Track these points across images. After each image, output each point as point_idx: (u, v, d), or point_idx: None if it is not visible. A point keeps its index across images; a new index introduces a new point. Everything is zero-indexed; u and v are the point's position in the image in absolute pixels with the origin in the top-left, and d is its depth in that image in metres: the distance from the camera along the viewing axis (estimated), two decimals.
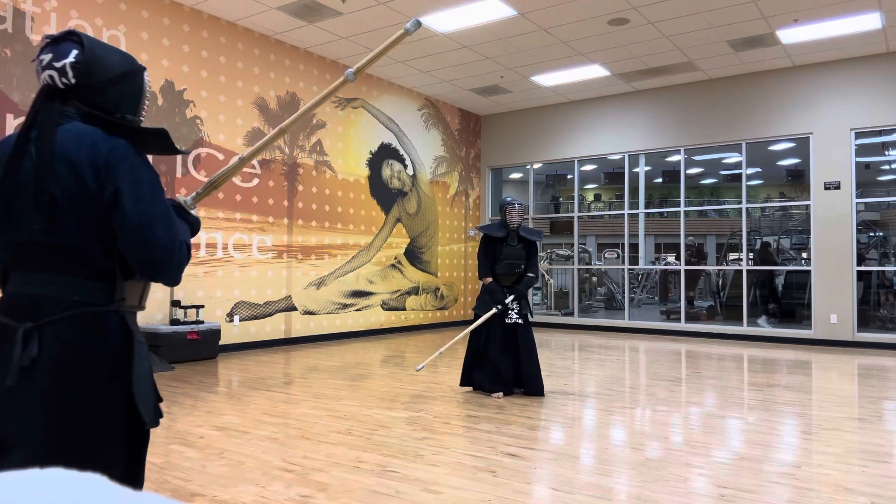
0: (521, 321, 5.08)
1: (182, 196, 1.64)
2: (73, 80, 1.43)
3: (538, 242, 5.34)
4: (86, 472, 0.54)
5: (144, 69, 1.58)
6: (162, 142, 1.50)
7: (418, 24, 1.90)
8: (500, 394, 5.00)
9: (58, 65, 1.42)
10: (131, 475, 1.49)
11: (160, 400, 1.55)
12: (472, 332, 5.13)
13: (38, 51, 1.47)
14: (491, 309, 5.03)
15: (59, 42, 1.45)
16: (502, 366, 5.02)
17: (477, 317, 5.14)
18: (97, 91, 1.46)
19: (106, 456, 1.40)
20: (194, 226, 1.61)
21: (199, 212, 7.33)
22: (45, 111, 1.42)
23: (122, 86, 1.51)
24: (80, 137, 1.40)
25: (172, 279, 1.46)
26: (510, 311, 5.07)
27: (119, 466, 1.43)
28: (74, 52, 1.43)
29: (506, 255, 5.17)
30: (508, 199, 5.24)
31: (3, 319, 1.40)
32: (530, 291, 5.48)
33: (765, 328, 9.70)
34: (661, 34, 7.96)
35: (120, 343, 1.43)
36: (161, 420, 1.58)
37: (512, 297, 5.08)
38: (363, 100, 9.59)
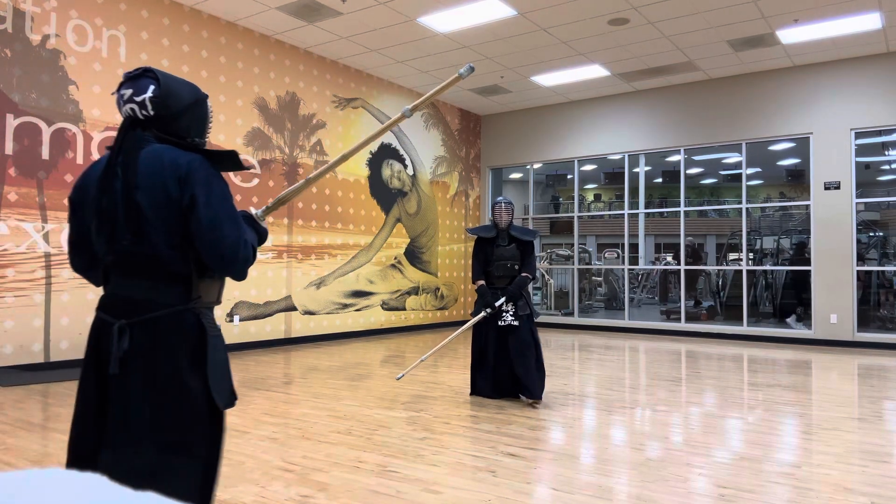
0: (515, 322, 4.84)
1: (254, 209, 1.90)
2: (151, 112, 1.67)
3: (535, 241, 5.17)
4: (85, 473, 0.54)
5: (207, 97, 1.83)
6: (231, 160, 1.74)
7: (471, 70, 2.19)
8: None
9: (138, 99, 1.66)
10: (210, 456, 1.70)
11: (232, 391, 1.77)
12: (474, 338, 5.00)
13: (118, 86, 1.69)
14: (480, 313, 4.88)
15: (138, 78, 1.67)
16: (499, 371, 4.89)
17: (480, 312, 4.96)
18: (172, 120, 1.70)
19: (192, 431, 1.62)
20: (262, 235, 1.86)
21: None
22: (128, 139, 1.66)
23: (191, 114, 1.74)
24: (161, 154, 1.64)
25: (239, 273, 1.71)
26: (503, 314, 4.85)
27: (204, 442, 1.65)
28: (152, 87, 1.67)
29: (497, 257, 5.00)
30: (497, 198, 5.14)
31: (103, 316, 1.66)
32: (530, 290, 5.27)
33: (795, 329, 9.60)
34: (661, 34, 7.96)
35: (196, 337, 1.65)
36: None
37: (503, 298, 4.87)
38: (363, 100, 9.59)
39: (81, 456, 1.64)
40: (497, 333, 4.91)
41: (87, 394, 1.65)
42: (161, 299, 1.63)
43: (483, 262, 5.04)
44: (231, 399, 1.72)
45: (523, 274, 4.96)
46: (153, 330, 1.61)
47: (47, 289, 6.04)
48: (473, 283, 5.04)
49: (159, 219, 1.61)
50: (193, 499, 1.67)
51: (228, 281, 8.24)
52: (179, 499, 1.41)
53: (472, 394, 5.04)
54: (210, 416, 1.67)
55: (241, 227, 1.69)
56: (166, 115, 1.69)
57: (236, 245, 1.65)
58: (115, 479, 1.18)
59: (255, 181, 7.98)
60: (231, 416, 4.31)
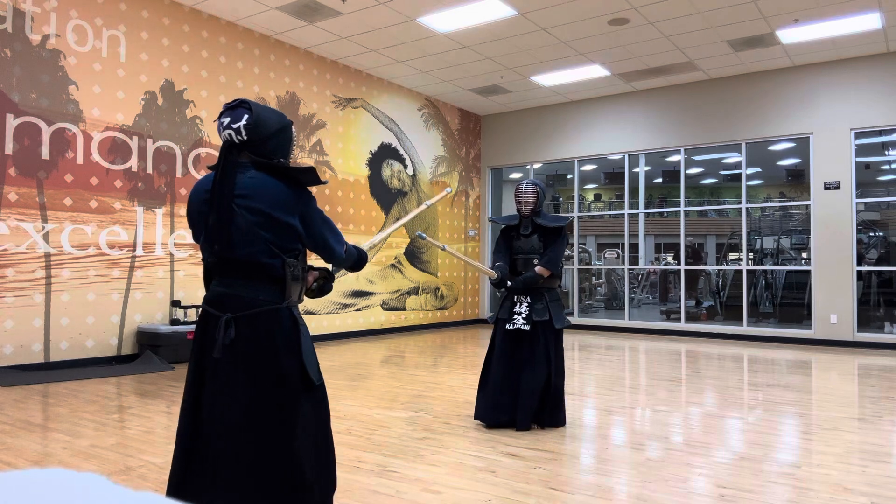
0: (526, 327, 4.00)
1: (366, 243, 2.43)
2: (245, 137, 1.98)
3: (564, 230, 4.18)
4: (85, 473, 0.54)
5: (292, 123, 2.14)
6: (311, 175, 2.04)
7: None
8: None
9: (234, 126, 1.97)
10: (319, 419, 2.05)
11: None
12: (490, 346, 4.18)
13: (219, 115, 2.02)
14: (493, 276, 4.07)
15: (234, 108, 1.99)
16: (504, 386, 4.02)
17: (493, 317, 4.24)
18: (262, 143, 2.01)
19: (290, 401, 1.94)
20: (363, 256, 2.31)
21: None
22: (228, 161, 1.97)
23: (277, 138, 2.05)
24: (265, 182, 1.97)
25: (351, 270, 2.28)
26: (514, 315, 4.06)
27: (298, 410, 1.96)
28: (246, 116, 1.97)
29: (516, 249, 4.20)
30: (521, 181, 4.21)
31: (209, 309, 1.99)
32: (559, 293, 4.28)
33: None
34: (661, 34, 7.96)
35: (290, 328, 1.99)
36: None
37: (508, 283, 4.08)
38: (363, 100, 9.59)
39: (191, 434, 1.94)
40: (504, 339, 4.08)
41: (196, 381, 1.97)
42: (261, 297, 1.96)
43: (504, 254, 4.22)
44: (320, 376, 2.07)
45: (536, 268, 4.08)
46: (255, 322, 1.94)
47: (47, 289, 6.04)
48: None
49: (258, 234, 1.94)
50: (309, 458, 1.98)
51: None
52: (294, 461, 1.90)
53: (475, 417, 4.13)
54: (306, 389, 2.00)
55: (340, 237, 2.17)
56: (257, 140, 1.99)
57: (340, 253, 2.16)
58: (230, 448, 1.84)
59: None
60: None
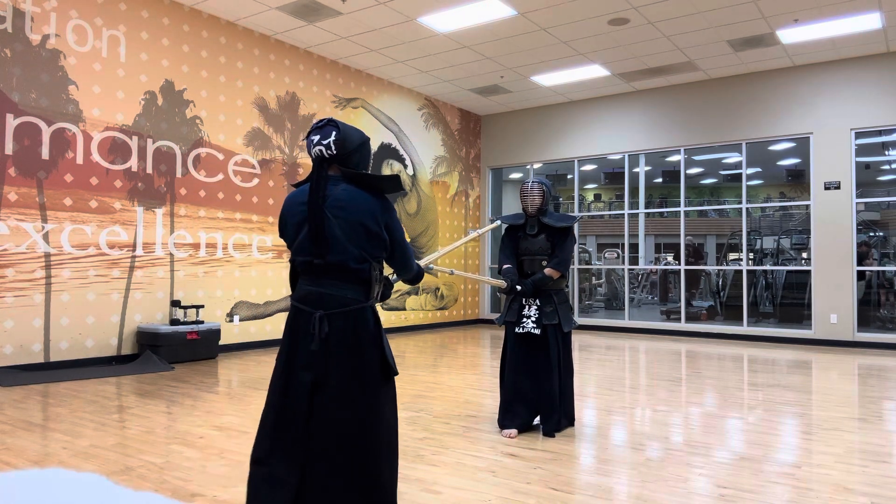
0: (536, 331, 3.94)
1: (422, 260, 2.76)
2: (335, 152, 2.19)
3: (572, 230, 4.10)
4: (85, 473, 0.54)
5: (369, 139, 2.36)
6: (395, 183, 2.23)
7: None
8: (513, 431, 3.88)
9: (325, 143, 2.19)
10: (392, 410, 2.25)
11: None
12: (503, 349, 4.14)
13: (308, 133, 2.24)
14: (502, 286, 3.99)
15: (323, 128, 2.21)
16: (517, 392, 3.96)
17: (501, 318, 4.13)
18: (347, 157, 2.22)
19: (374, 387, 2.16)
20: (421, 272, 2.53)
21: (200, 211, 7.33)
22: (320, 175, 2.17)
23: (360, 152, 2.27)
24: (356, 195, 2.17)
25: (415, 280, 2.49)
26: (523, 319, 3.99)
27: (380, 397, 2.18)
28: (334, 133, 2.18)
29: (523, 250, 4.09)
30: (527, 180, 4.12)
31: (300, 306, 2.19)
32: (567, 295, 4.14)
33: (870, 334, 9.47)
34: (661, 34, 7.96)
35: (374, 324, 2.21)
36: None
37: (517, 287, 3.98)
38: (363, 100, 9.59)
39: (285, 425, 2.12)
40: (516, 344, 4.01)
41: (286, 371, 2.16)
42: (350, 296, 2.17)
43: (511, 255, 4.12)
44: (396, 367, 2.27)
45: (546, 270, 3.99)
46: (345, 319, 2.15)
47: (47, 289, 6.04)
48: (499, 273, 4.16)
49: (352, 242, 2.14)
50: (382, 439, 2.16)
51: (227, 280, 8.17)
52: (375, 442, 2.12)
53: (499, 424, 4.00)
54: (384, 378, 2.20)
55: (410, 246, 2.40)
56: (344, 154, 2.20)
57: (412, 257, 2.41)
58: (321, 432, 2.11)
59: (255, 181, 7.98)
60: (231, 416, 4.31)
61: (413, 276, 2.47)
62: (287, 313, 2.25)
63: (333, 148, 2.18)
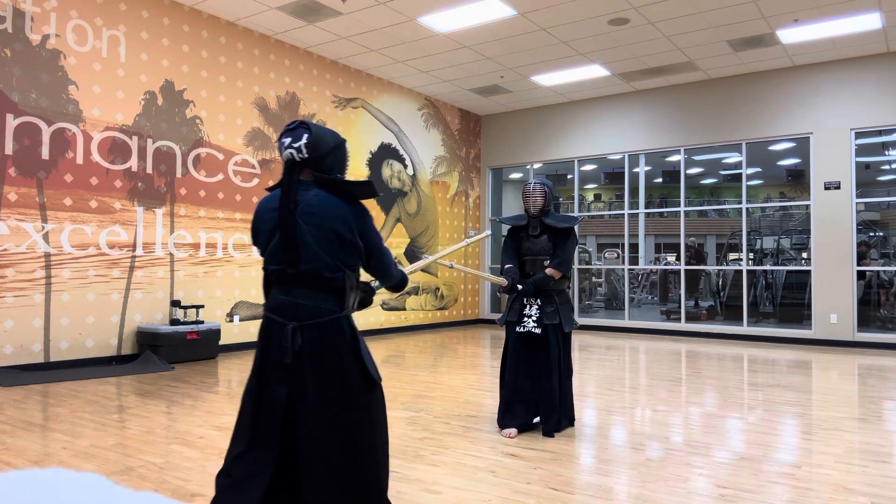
0: (537, 331, 3.94)
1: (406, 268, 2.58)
2: (306, 155, 2.10)
3: (573, 230, 4.12)
4: (85, 473, 0.54)
5: (346, 141, 2.26)
6: (368, 188, 2.16)
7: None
8: (513, 431, 3.87)
9: (296, 145, 2.10)
10: (379, 414, 2.17)
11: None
12: (504, 349, 4.13)
13: (280, 135, 2.15)
14: (503, 284, 3.99)
15: (294, 129, 2.12)
16: (517, 391, 3.97)
17: (503, 318, 4.14)
18: (320, 160, 2.14)
19: (357, 398, 2.08)
20: (405, 279, 2.42)
21: (200, 211, 7.33)
22: (291, 179, 2.10)
23: (334, 155, 2.19)
24: (328, 201, 2.09)
25: (392, 290, 2.40)
26: (524, 318, 3.99)
27: (364, 407, 2.10)
28: (306, 136, 2.10)
29: (524, 250, 4.11)
30: (529, 181, 4.13)
31: (272, 316, 2.11)
32: (569, 295, 4.08)
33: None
34: (661, 34, 7.96)
35: (350, 334, 2.13)
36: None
37: (518, 287, 3.98)
38: (363, 100, 9.59)
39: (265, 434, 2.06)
40: (517, 343, 4.01)
41: (258, 384, 2.10)
42: (323, 306, 2.09)
43: (512, 255, 4.14)
44: (379, 375, 2.19)
45: (547, 270, 4.00)
46: (319, 330, 2.07)
47: (47, 289, 6.04)
48: (501, 274, 4.14)
49: (324, 250, 2.07)
50: (374, 449, 2.10)
51: (227, 280, 8.17)
52: (362, 450, 2.05)
53: (498, 424, 4.01)
54: (369, 388, 2.13)
55: (389, 252, 2.31)
56: (317, 157, 2.13)
57: (392, 264, 2.30)
58: (308, 447, 2.02)
59: (255, 181, 7.98)
60: (231, 416, 4.32)
61: (396, 282, 2.38)
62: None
63: (305, 151, 2.10)
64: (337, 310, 2.11)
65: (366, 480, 2.07)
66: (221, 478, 2.07)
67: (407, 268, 2.59)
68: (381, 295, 9.82)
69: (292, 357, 2.04)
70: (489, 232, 3.74)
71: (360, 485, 2.05)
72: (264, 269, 2.19)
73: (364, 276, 2.28)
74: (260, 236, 2.17)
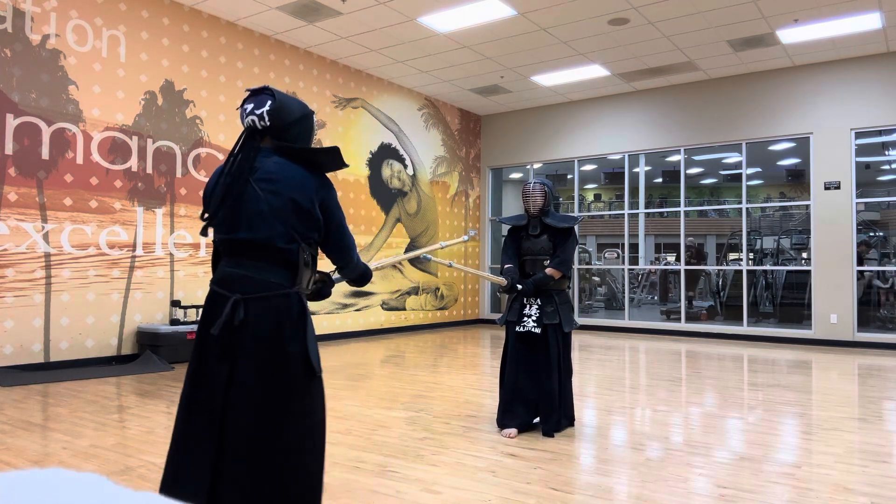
0: (537, 330, 3.93)
1: (372, 264, 2.44)
2: (268, 123, 1.98)
3: (574, 230, 4.13)
4: (85, 473, 0.54)
5: (314, 112, 2.14)
6: (334, 156, 2.03)
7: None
8: (512, 431, 3.86)
9: (258, 112, 1.97)
10: (314, 408, 2.01)
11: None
12: (504, 349, 4.15)
13: (242, 101, 2.02)
14: (503, 284, 4.00)
15: (258, 94, 2.00)
16: (517, 391, 3.95)
17: (503, 318, 4.13)
18: (284, 129, 2.01)
19: (292, 385, 1.93)
20: (368, 273, 2.30)
21: (200, 211, 7.33)
22: (247, 146, 1.97)
23: (300, 126, 2.05)
24: (286, 168, 1.97)
25: (353, 283, 2.26)
26: (524, 318, 3.98)
27: (298, 396, 1.95)
28: (269, 102, 1.97)
29: (525, 250, 4.11)
30: (528, 181, 4.14)
31: (217, 289, 1.97)
32: (570, 295, 4.13)
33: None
34: (661, 34, 7.96)
35: (298, 313, 1.97)
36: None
37: (518, 287, 3.97)
38: (363, 100, 9.59)
39: (197, 421, 1.91)
40: (516, 343, 4.01)
41: (198, 361, 1.95)
42: (273, 280, 1.95)
43: (513, 255, 4.13)
44: (321, 367, 2.06)
45: (547, 270, 4.00)
46: (265, 305, 1.92)
47: (47, 289, 6.04)
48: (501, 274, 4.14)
49: (279, 219, 1.93)
50: (300, 442, 1.94)
51: None
52: (292, 444, 1.90)
53: (498, 424, 4.01)
54: (307, 376, 1.99)
55: (353, 239, 2.18)
56: (280, 126, 2.00)
57: (352, 248, 2.16)
58: (234, 428, 1.84)
59: None
60: None
61: (357, 274, 2.23)
62: None
63: (267, 119, 1.97)
64: (287, 285, 1.96)
65: (287, 481, 1.90)
66: (168, 465, 1.92)
67: (373, 263, 2.46)
68: (381, 295, 9.83)
69: (229, 332, 1.88)
70: (466, 238, 3.72)
71: (277, 484, 1.89)
72: (214, 240, 2.04)
73: (327, 266, 2.19)
74: (208, 201, 2.01)
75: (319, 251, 2.14)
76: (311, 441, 1.99)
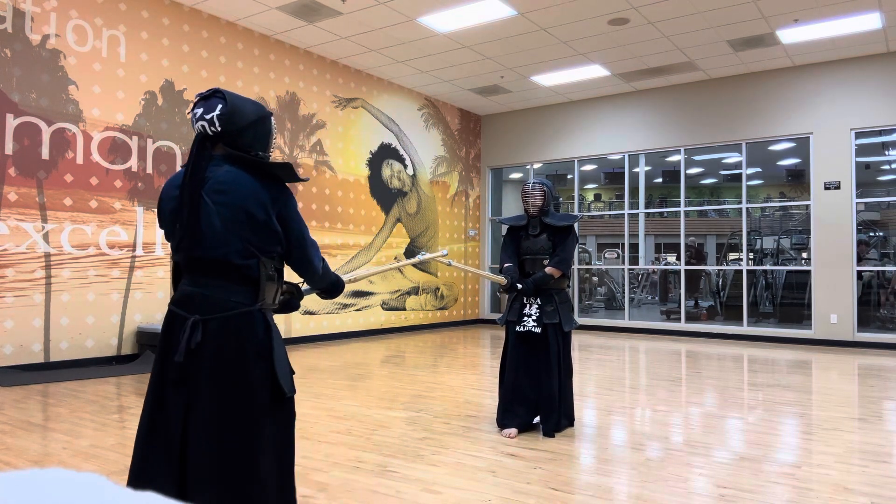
0: (537, 330, 3.93)
1: (346, 276, 2.35)
2: (219, 128, 1.86)
3: (574, 228, 4.12)
4: (85, 473, 0.54)
5: (272, 114, 2.01)
6: (288, 171, 1.91)
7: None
8: (512, 431, 3.86)
9: (208, 117, 1.86)
10: (284, 437, 1.90)
11: (293, 373, 1.98)
12: (503, 349, 4.16)
13: (192, 106, 1.91)
14: (503, 283, 3.99)
15: (208, 98, 1.89)
16: (517, 391, 3.95)
17: (503, 318, 4.13)
18: (237, 135, 1.88)
19: (257, 410, 1.80)
20: (339, 283, 2.20)
21: None
22: (199, 155, 1.85)
23: (255, 130, 1.92)
24: (238, 178, 1.83)
25: (323, 294, 2.14)
26: (524, 318, 3.97)
27: (268, 426, 1.83)
28: (220, 106, 1.86)
29: (524, 250, 4.10)
30: (528, 181, 4.13)
31: (175, 310, 1.84)
32: (569, 294, 4.08)
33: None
34: (661, 34, 7.96)
35: (263, 332, 1.85)
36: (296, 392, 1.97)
37: (518, 286, 3.97)
38: (363, 100, 9.59)
39: (153, 447, 1.80)
40: (516, 342, 4.00)
41: (158, 385, 1.84)
42: (234, 299, 1.83)
43: (512, 255, 4.12)
44: (293, 386, 1.92)
45: (547, 269, 3.98)
46: (225, 326, 1.80)
47: (47, 289, 6.04)
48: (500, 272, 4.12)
49: (234, 233, 1.81)
50: (271, 478, 1.84)
51: None
52: (257, 477, 1.77)
53: (498, 424, 4.00)
54: (273, 401, 1.86)
55: (317, 247, 2.05)
56: (232, 131, 1.87)
57: (317, 259, 2.03)
58: (195, 461, 1.66)
59: None
60: None
61: (325, 284, 2.09)
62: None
63: (217, 124, 1.85)
64: (249, 303, 1.85)
65: None
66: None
67: (347, 275, 2.34)
68: (381, 295, 9.83)
69: (182, 356, 1.76)
70: (445, 252, 3.72)
71: None
72: (172, 257, 1.93)
73: (294, 277, 2.03)
74: (164, 217, 1.90)
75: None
76: (280, 469, 1.89)
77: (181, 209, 1.82)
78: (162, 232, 6.87)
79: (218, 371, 1.78)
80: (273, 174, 1.90)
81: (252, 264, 1.85)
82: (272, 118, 2.01)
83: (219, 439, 1.76)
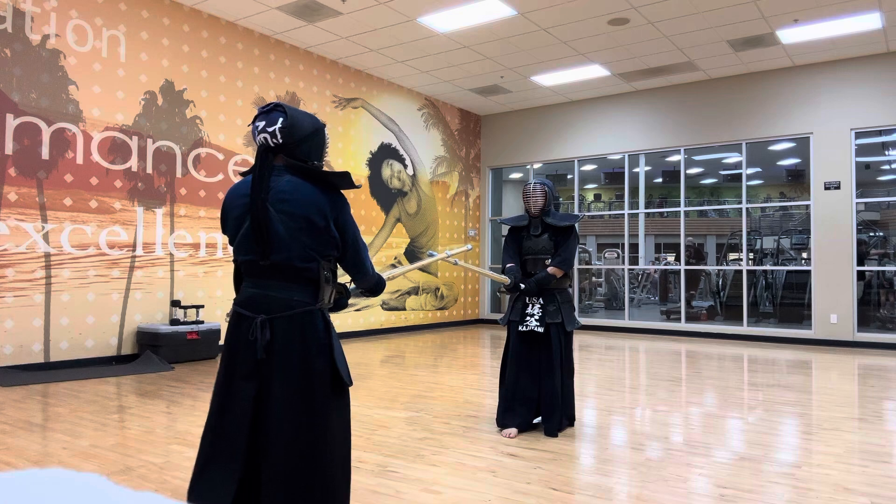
0: (539, 329, 3.93)
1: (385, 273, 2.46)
2: (280, 140, 1.99)
3: (575, 228, 4.12)
4: (85, 473, 0.54)
5: (325, 125, 2.15)
6: (346, 180, 2.05)
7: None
8: (513, 430, 3.87)
9: (269, 130, 1.98)
10: (345, 423, 2.08)
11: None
12: (504, 349, 4.17)
13: (253, 119, 2.04)
14: (506, 282, 4.01)
15: (269, 112, 2.01)
16: (518, 391, 3.96)
17: (505, 318, 4.13)
18: (296, 146, 2.02)
19: (321, 400, 1.97)
20: (382, 282, 2.33)
21: (200, 211, 7.33)
22: (263, 165, 1.99)
23: (312, 141, 2.07)
24: (300, 188, 1.98)
25: (367, 293, 2.30)
26: (527, 317, 3.98)
27: (333, 412, 2.01)
28: (281, 119, 1.98)
29: (526, 250, 4.11)
30: (529, 182, 4.13)
31: (241, 311, 2.00)
32: (571, 294, 4.13)
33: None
34: (661, 34, 7.96)
35: (323, 329, 2.02)
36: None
37: (521, 286, 3.99)
38: (363, 100, 9.59)
39: (228, 436, 1.95)
40: (518, 342, 4.01)
41: (227, 378, 1.99)
42: (296, 298, 1.99)
43: (514, 255, 4.14)
44: (350, 378, 2.08)
45: (549, 269, 3.99)
46: (290, 323, 1.97)
47: (47, 289, 6.04)
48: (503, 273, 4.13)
49: (296, 239, 1.96)
50: (338, 461, 2.00)
51: (227, 280, 8.12)
52: (329, 459, 1.95)
53: (498, 424, 4.02)
54: (334, 391, 2.03)
55: (367, 250, 2.22)
56: (291, 143, 2.01)
57: (368, 261, 2.20)
58: (270, 447, 1.91)
59: None
60: None
61: (372, 284, 2.26)
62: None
63: (279, 136, 1.98)
64: (311, 302, 2.01)
65: (319, 495, 1.93)
66: (195, 481, 1.95)
67: (386, 273, 2.50)
68: (381, 295, 9.83)
69: (262, 352, 1.93)
70: (469, 246, 3.77)
71: (316, 496, 1.91)
72: (234, 260, 2.09)
73: (341, 277, 2.21)
74: (229, 224, 2.06)
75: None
76: (341, 461, 2.03)
77: (247, 216, 1.99)
78: (162, 232, 6.90)
79: (286, 365, 1.94)
80: (332, 182, 2.04)
81: (312, 267, 2.00)
82: (325, 129, 2.16)
83: (294, 425, 1.92)
